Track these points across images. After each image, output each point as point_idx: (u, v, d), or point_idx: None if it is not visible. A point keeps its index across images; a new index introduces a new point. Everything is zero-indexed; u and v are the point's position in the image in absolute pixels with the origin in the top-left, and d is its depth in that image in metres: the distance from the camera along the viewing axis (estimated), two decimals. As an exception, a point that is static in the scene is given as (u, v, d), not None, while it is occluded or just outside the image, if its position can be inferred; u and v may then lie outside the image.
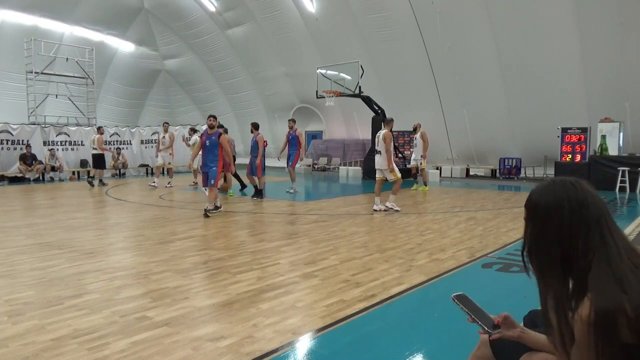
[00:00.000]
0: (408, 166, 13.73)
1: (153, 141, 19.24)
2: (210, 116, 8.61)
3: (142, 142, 19.60)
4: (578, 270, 1.27)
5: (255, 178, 10.80)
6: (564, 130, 14.39)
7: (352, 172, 18.41)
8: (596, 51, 13.77)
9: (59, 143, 17.06)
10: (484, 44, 15.55)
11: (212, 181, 8.33)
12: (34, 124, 17.12)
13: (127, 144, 19.30)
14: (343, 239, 6.27)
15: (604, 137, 13.31)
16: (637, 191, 12.22)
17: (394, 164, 8.89)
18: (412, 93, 17.96)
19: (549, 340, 1.43)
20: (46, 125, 17.16)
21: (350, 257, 5.25)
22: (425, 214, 8.67)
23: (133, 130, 19.88)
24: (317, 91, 16.91)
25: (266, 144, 20.98)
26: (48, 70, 18.26)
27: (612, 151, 13.18)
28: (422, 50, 16.82)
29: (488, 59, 15.74)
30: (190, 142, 13.77)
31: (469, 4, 15.25)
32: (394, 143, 17.40)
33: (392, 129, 9.11)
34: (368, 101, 16.39)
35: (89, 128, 18.24)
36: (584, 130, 14.19)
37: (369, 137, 17.43)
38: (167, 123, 14.32)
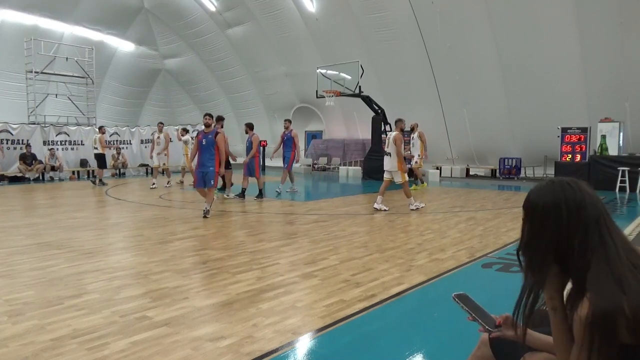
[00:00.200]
0: (408, 166, 13.71)
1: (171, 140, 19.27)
2: (206, 114, 8.47)
3: (142, 141, 19.59)
4: (577, 270, 1.27)
5: (249, 179, 10.66)
6: (564, 130, 14.39)
7: (352, 172, 18.41)
8: (596, 51, 13.77)
9: (58, 143, 17.06)
10: (484, 44, 15.55)
11: (212, 182, 8.24)
12: (34, 123, 17.12)
13: (127, 143, 19.31)
14: (343, 239, 6.27)
15: (604, 137, 13.31)
16: (637, 191, 12.22)
17: (404, 167, 8.97)
18: (412, 93, 17.96)
19: (519, 330, 1.45)
20: (46, 125, 17.16)
21: (350, 257, 5.25)
22: (425, 214, 8.67)
23: (133, 130, 19.88)
24: (317, 91, 16.91)
25: (265, 144, 20.90)
26: (48, 70, 18.26)
27: (612, 151, 13.19)
28: (422, 50, 16.82)
29: (488, 59, 15.73)
30: (182, 140, 13.80)
31: (469, 4, 15.25)
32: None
33: (403, 129, 9.10)
34: (368, 101, 16.39)
35: (88, 128, 18.25)
36: (584, 130, 14.19)
37: (369, 137, 17.45)
38: (162, 123, 14.18)
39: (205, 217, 7.99)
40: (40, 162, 16.01)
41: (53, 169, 16.37)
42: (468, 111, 16.99)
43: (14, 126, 15.96)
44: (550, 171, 15.16)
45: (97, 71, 20.49)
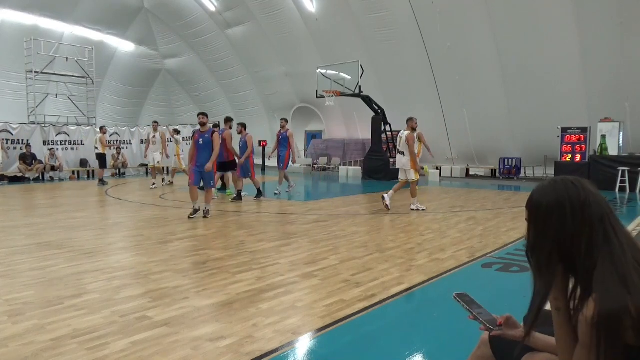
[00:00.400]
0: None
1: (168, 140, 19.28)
2: (200, 114, 8.28)
3: (141, 141, 19.58)
4: (583, 270, 1.26)
5: (245, 180, 10.56)
6: (564, 130, 14.39)
7: (352, 172, 18.41)
8: (596, 51, 13.78)
9: (58, 143, 17.06)
10: (484, 44, 15.55)
11: (211, 182, 8.18)
12: (34, 123, 17.12)
13: (127, 143, 19.31)
14: (343, 239, 6.27)
15: (604, 137, 13.31)
16: (637, 191, 12.22)
17: (418, 166, 8.97)
18: (412, 93, 17.96)
19: (529, 334, 1.44)
20: (46, 125, 17.16)
21: (350, 257, 5.25)
22: (425, 214, 8.66)
23: (133, 130, 19.89)
24: (317, 91, 16.91)
25: (265, 144, 20.90)
26: (48, 70, 18.27)
27: (612, 151, 13.19)
28: (422, 50, 16.82)
29: (488, 59, 15.73)
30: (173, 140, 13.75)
31: (469, 4, 15.25)
32: (393, 143, 17.55)
33: (415, 128, 9.08)
34: (368, 101, 16.40)
35: (88, 128, 18.26)
36: (584, 130, 14.20)
37: (369, 137, 17.45)
38: (157, 122, 14.09)
39: (205, 217, 7.96)
40: (40, 162, 16.01)
41: (53, 169, 16.37)
42: (468, 111, 16.99)
43: (14, 126, 15.96)
44: (550, 171, 15.16)
45: (97, 71, 20.50)
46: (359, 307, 3.62)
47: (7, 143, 15.52)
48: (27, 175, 15.61)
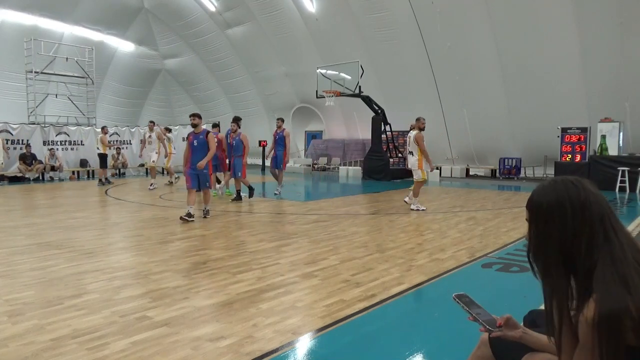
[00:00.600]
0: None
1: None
2: (192, 115, 8.06)
3: (141, 142, 19.58)
4: (583, 271, 1.26)
5: (235, 180, 10.38)
6: (564, 130, 14.39)
7: (352, 172, 18.41)
8: (596, 51, 13.78)
9: (58, 143, 17.05)
10: (484, 44, 15.55)
11: (207, 183, 8.02)
12: (34, 123, 17.11)
13: (127, 143, 19.30)
14: (343, 239, 6.27)
15: (604, 137, 13.31)
16: (637, 191, 12.22)
17: (424, 168, 8.94)
18: (412, 93, 17.96)
19: (549, 341, 1.41)
20: (46, 125, 17.15)
21: (350, 257, 5.25)
22: (425, 214, 8.66)
23: (133, 130, 19.88)
24: (317, 91, 16.91)
25: (265, 144, 20.91)
26: (48, 70, 18.26)
27: (612, 151, 13.19)
28: (422, 50, 16.82)
29: (488, 59, 15.74)
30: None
31: (469, 4, 15.25)
32: (393, 143, 17.57)
33: (424, 128, 9.04)
34: (368, 101, 16.40)
35: (88, 128, 18.25)
36: (584, 130, 14.20)
37: (369, 137, 17.45)
38: (153, 122, 13.92)
39: (205, 217, 7.93)
40: (40, 162, 16.00)
41: (53, 169, 16.36)
42: (468, 111, 17.00)
43: (14, 126, 15.95)
44: (550, 171, 15.16)
45: (97, 71, 20.49)
46: (359, 307, 3.62)
47: (7, 143, 15.51)
48: (27, 176, 15.60)
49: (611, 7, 13.13)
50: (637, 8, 12.90)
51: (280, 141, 11.31)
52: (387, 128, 17.10)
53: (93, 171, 17.70)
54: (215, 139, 10.60)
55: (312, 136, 23.95)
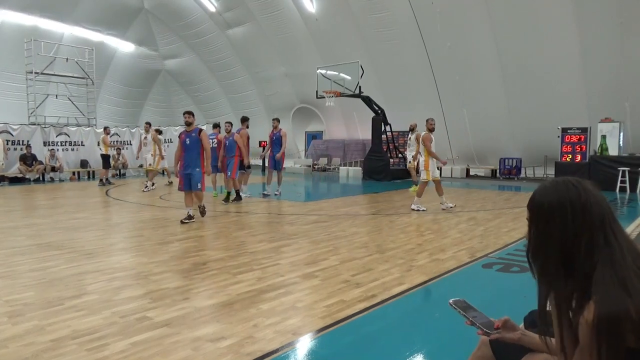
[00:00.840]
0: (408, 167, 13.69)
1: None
2: (186, 112, 7.81)
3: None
4: (582, 273, 1.25)
5: (230, 180, 10.22)
6: (564, 130, 14.39)
7: (352, 172, 18.41)
8: (596, 51, 13.77)
9: (59, 143, 17.06)
10: (484, 44, 15.55)
11: (199, 185, 7.61)
12: (34, 124, 17.12)
13: (127, 144, 19.30)
14: (343, 239, 6.27)
15: (604, 137, 13.30)
16: (637, 191, 12.21)
17: (431, 168, 8.92)
18: (412, 93, 17.96)
19: (541, 340, 1.42)
20: (46, 126, 17.16)
21: (350, 258, 5.25)
22: (425, 214, 8.66)
23: (133, 130, 19.88)
24: (317, 91, 16.91)
25: (265, 144, 20.99)
26: (48, 71, 18.27)
27: (612, 151, 13.18)
28: (422, 50, 16.82)
29: (488, 59, 15.73)
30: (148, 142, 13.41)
31: (469, 4, 15.25)
32: (394, 143, 17.56)
33: (433, 129, 9.01)
34: (368, 101, 16.39)
35: (89, 128, 18.26)
36: (584, 130, 14.19)
37: (369, 137, 17.45)
38: (149, 123, 13.78)
39: (202, 215, 7.91)
40: (41, 162, 16.01)
41: (53, 169, 16.37)
42: (468, 111, 16.99)
43: (14, 127, 15.96)
44: (551, 171, 15.16)
45: (97, 72, 20.49)
46: (359, 308, 3.61)
47: (7, 144, 15.52)
48: (27, 176, 15.61)
49: (611, 7, 13.13)
50: (637, 8, 12.89)
51: (278, 141, 11.18)
52: (387, 128, 17.10)
53: (93, 172, 17.71)
54: (216, 140, 10.67)
55: (312, 136, 23.95)
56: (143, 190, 12.37)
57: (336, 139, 22.58)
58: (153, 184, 13.01)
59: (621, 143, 13.50)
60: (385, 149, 17.01)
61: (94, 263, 4.97)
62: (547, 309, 1.35)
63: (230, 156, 10.15)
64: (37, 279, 4.36)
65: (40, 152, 16.26)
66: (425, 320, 3.51)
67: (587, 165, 13.28)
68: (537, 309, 1.37)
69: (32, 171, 15.67)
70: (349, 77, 16.37)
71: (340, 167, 19.75)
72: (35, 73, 17.66)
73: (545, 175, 15.87)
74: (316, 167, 21.67)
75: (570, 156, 14.28)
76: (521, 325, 1.84)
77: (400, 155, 17.53)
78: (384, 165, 16.42)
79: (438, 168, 9.37)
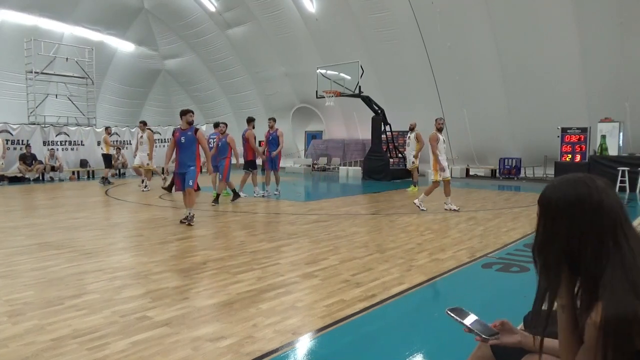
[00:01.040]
0: (408, 167, 13.70)
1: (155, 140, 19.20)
2: (189, 111, 7.59)
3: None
4: (591, 273, 1.23)
5: (221, 182, 10.05)
6: (564, 130, 14.39)
7: (352, 172, 18.41)
8: (596, 51, 13.77)
9: (58, 143, 17.05)
10: (484, 44, 15.55)
11: (191, 182, 7.32)
12: (34, 123, 17.11)
13: (127, 144, 19.30)
14: (343, 239, 6.27)
15: (604, 137, 13.30)
16: (637, 191, 12.22)
17: (439, 168, 8.90)
18: (412, 93, 17.96)
19: (535, 340, 1.40)
20: (46, 125, 17.15)
21: (350, 257, 5.25)
22: (425, 214, 8.66)
23: (133, 130, 19.85)
24: (317, 91, 16.90)
25: (263, 144, 20.94)
26: (48, 70, 18.26)
27: (612, 151, 13.18)
28: (422, 50, 16.82)
29: (488, 59, 15.73)
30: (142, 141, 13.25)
31: (469, 4, 15.25)
32: (394, 143, 17.56)
33: (441, 129, 9.00)
34: (368, 101, 16.39)
35: (88, 128, 18.26)
36: (584, 130, 14.19)
37: (369, 137, 17.45)
38: (144, 122, 13.58)
39: (189, 224, 7.18)
40: (40, 162, 16.00)
41: (53, 169, 16.36)
42: (468, 111, 16.99)
43: (14, 126, 15.95)
44: (550, 171, 15.16)
45: (97, 71, 20.48)
46: (359, 307, 3.62)
47: (7, 143, 15.52)
48: (27, 176, 15.61)
49: (611, 7, 13.13)
50: (637, 8, 12.89)
51: (275, 141, 11.09)
52: (387, 128, 17.10)
53: (93, 171, 17.71)
54: (216, 140, 10.67)
55: (312, 136, 23.94)
56: (142, 190, 12.36)
57: (336, 138, 22.57)
58: (146, 185, 12.81)
59: (621, 143, 13.51)
60: (385, 149, 17.02)
61: (94, 262, 4.97)
62: (543, 307, 1.34)
63: (222, 157, 10.03)
64: (37, 278, 4.36)
65: (40, 152, 16.25)
66: (425, 320, 3.52)
67: (587, 165, 13.28)
68: (533, 305, 1.35)
69: (31, 171, 15.67)
70: (349, 77, 16.37)
71: (340, 167, 19.75)
72: (35, 73, 17.65)
73: (545, 175, 15.88)
74: (316, 166, 21.67)
75: (570, 156, 14.28)
76: (520, 326, 1.84)
77: (400, 155, 17.53)
78: (383, 165, 16.42)
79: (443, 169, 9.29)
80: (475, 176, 17.99)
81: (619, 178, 12.33)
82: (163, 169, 14.30)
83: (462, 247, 5.84)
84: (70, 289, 4.03)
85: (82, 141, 17.72)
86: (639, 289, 1.15)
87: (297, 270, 4.71)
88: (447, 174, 9.03)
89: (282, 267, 4.85)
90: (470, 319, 1.59)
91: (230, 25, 22.03)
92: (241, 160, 11.39)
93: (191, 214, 7.31)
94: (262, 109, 24.21)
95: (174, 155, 7.67)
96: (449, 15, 15.69)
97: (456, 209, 8.93)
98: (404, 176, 16.35)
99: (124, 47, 24.16)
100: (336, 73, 16.76)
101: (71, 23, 21.13)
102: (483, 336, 1.53)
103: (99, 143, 17.79)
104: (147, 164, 13.10)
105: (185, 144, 7.35)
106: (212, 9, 21.72)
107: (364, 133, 20.42)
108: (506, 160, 16.92)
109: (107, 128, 15.07)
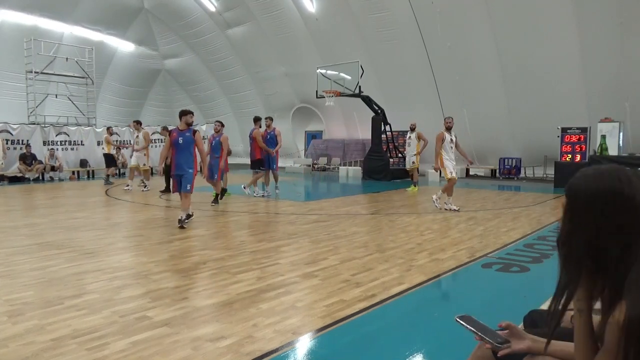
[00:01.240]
0: (407, 167, 13.70)
1: (152, 140, 19.15)
2: (189, 112, 7.41)
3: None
4: (616, 271, 1.17)
5: (214, 182, 9.90)
6: (564, 130, 14.38)
7: (352, 172, 18.40)
8: (596, 51, 13.77)
9: (58, 143, 17.06)
10: (484, 44, 15.55)
11: (188, 186, 7.13)
12: (34, 123, 17.12)
13: (127, 143, 19.29)
14: (343, 239, 6.27)
15: (604, 137, 13.30)
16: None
17: (446, 165, 8.88)
18: (412, 93, 17.96)
19: (547, 345, 1.33)
20: (46, 125, 17.15)
21: (350, 257, 5.25)
22: (425, 214, 8.67)
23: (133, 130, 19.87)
24: (317, 91, 16.90)
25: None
26: (48, 70, 18.27)
27: (612, 151, 13.18)
28: (422, 50, 16.82)
29: (488, 59, 15.73)
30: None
31: (469, 4, 15.25)
32: (393, 143, 17.55)
33: (449, 127, 8.96)
34: (368, 101, 16.39)
35: (88, 128, 18.26)
36: (584, 130, 14.19)
37: (369, 137, 17.45)
38: (138, 122, 13.34)
39: (181, 227, 6.95)
40: (40, 162, 16.00)
41: (53, 169, 16.36)
42: (468, 111, 16.98)
43: (14, 126, 15.96)
44: (550, 171, 15.16)
45: (97, 71, 20.49)
46: (359, 307, 3.62)
47: (7, 143, 15.52)
48: (27, 176, 15.60)
49: (611, 7, 13.12)
50: (637, 8, 12.89)
51: (272, 140, 11.06)
52: (387, 128, 17.09)
53: (93, 171, 17.71)
54: (209, 139, 10.68)
55: (312, 136, 23.94)
56: (142, 190, 12.35)
57: (336, 138, 22.57)
58: (128, 185, 12.67)
59: (621, 143, 13.51)
60: (385, 149, 17.02)
61: (94, 262, 4.97)
62: (558, 306, 1.27)
63: (216, 157, 9.93)
64: (37, 278, 4.36)
65: (40, 152, 16.26)
66: (425, 320, 3.51)
67: (587, 165, 13.24)
68: (550, 302, 1.28)
69: (31, 171, 15.67)
70: (349, 77, 16.36)
71: (340, 167, 19.74)
72: (35, 72, 17.66)
73: (544, 175, 15.88)
74: (316, 166, 21.67)
75: (570, 156, 14.28)
76: (520, 325, 1.83)
77: (400, 155, 17.52)
78: (383, 165, 16.42)
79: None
80: (475, 176, 17.99)
81: (619, 178, 12.32)
82: (152, 168, 14.08)
83: (462, 247, 5.84)
84: (70, 289, 4.03)
85: (82, 141, 17.72)
86: None
87: (297, 270, 4.71)
88: (454, 174, 9.03)
89: (282, 267, 4.85)
90: (480, 327, 1.56)
91: (230, 25, 22.03)
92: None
93: (183, 218, 7.06)
94: (262, 109, 24.21)
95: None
96: (449, 15, 15.69)
97: (456, 209, 8.93)
98: (404, 176, 16.34)
99: (124, 47, 24.17)
100: (336, 73, 16.76)
101: (71, 23, 21.14)
102: (495, 344, 1.48)
103: (99, 143, 17.82)
104: (144, 165, 12.96)
105: (182, 145, 7.16)
106: (212, 9, 21.73)
107: (364, 133, 20.42)
108: (506, 160, 16.92)
109: (108, 128, 15.09)
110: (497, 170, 17.23)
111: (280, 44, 21.11)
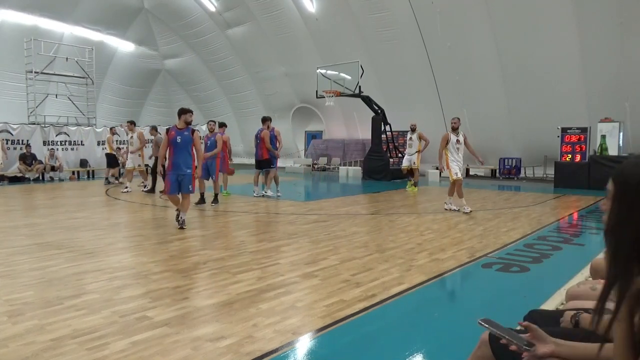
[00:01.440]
0: (401, 166, 13.70)
1: (148, 140, 19.08)
2: (188, 111, 7.24)
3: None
4: None
5: (205, 182, 9.82)
6: (564, 130, 14.39)
7: (352, 172, 18.40)
8: (596, 51, 13.78)
9: (58, 143, 17.05)
10: (484, 44, 15.55)
11: (190, 187, 7.04)
12: (34, 123, 17.11)
13: (127, 144, 19.30)
14: (343, 239, 6.27)
15: (603, 137, 13.31)
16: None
17: (451, 167, 8.90)
18: (412, 93, 17.96)
19: (599, 350, 1.22)
20: (46, 125, 17.15)
21: (350, 257, 5.25)
22: (425, 214, 8.67)
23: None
24: (317, 91, 16.90)
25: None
26: (48, 70, 18.26)
27: (612, 151, 13.19)
28: (422, 50, 16.82)
29: (488, 59, 15.73)
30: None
31: (469, 4, 15.25)
32: (394, 142, 17.56)
33: (455, 128, 8.97)
34: (368, 101, 16.39)
35: (88, 128, 18.26)
36: (584, 130, 14.19)
37: (369, 137, 17.45)
38: (132, 122, 13.18)
39: (181, 227, 6.92)
40: (40, 162, 16.00)
41: (53, 169, 16.36)
42: (468, 111, 16.98)
43: (14, 126, 15.96)
44: (550, 171, 15.16)
45: (97, 71, 20.49)
46: (359, 307, 3.62)
47: (7, 143, 15.52)
48: (27, 176, 15.60)
49: (611, 7, 13.13)
50: (637, 8, 12.89)
51: (272, 140, 11.02)
52: (387, 128, 17.09)
53: (93, 171, 17.71)
54: (204, 139, 10.61)
55: (312, 136, 23.95)
56: (142, 191, 12.34)
57: (336, 138, 22.57)
58: (126, 187, 12.39)
59: (621, 143, 13.51)
60: (385, 149, 17.02)
61: (94, 262, 4.97)
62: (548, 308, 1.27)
63: (212, 157, 9.92)
64: (37, 278, 4.36)
65: (40, 152, 16.25)
66: (425, 320, 3.51)
67: (587, 165, 13.29)
68: (597, 301, 1.19)
69: (31, 171, 15.66)
70: (349, 77, 16.36)
71: (340, 167, 19.74)
72: (35, 72, 17.66)
73: (545, 175, 15.89)
74: (316, 166, 21.67)
75: (570, 156, 14.27)
76: (539, 327, 1.79)
77: (400, 155, 17.52)
78: (383, 165, 16.42)
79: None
80: (475, 176, 17.99)
81: (619, 178, 12.32)
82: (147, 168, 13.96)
83: (462, 247, 5.84)
84: (70, 289, 4.03)
85: (82, 141, 17.71)
86: None
87: (297, 270, 4.71)
88: (459, 174, 9.00)
89: (282, 267, 4.85)
90: (503, 329, 1.55)
91: (230, 25, 22.03)
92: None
93: (182, 219, 7.01)
94: (262, 108, 24.22)
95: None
96: (449, 15, 15.69)
97: (456, 209, 8.93)
98: (403, 176, 16.35)
99: (124, 47, 24.18)
100: (336, 73, 16.76)
101: (71, 23, 21.15)
102: (523, 347, 1.46)
103: (99, 143, 17.83)
104: (139, 165, 12.83)
105: (180, 144, 6.99)
106: (212, 9, 21.73)
107: (364, 133, 20.42)
108: (506, 160, 16.92)
109: (111, 128, 15.17)
110: (497, 170, 17.23)
111: (280, 44, 21.12)
